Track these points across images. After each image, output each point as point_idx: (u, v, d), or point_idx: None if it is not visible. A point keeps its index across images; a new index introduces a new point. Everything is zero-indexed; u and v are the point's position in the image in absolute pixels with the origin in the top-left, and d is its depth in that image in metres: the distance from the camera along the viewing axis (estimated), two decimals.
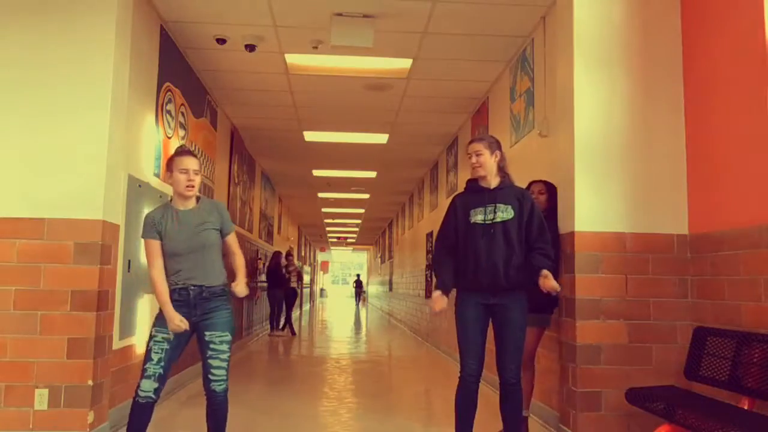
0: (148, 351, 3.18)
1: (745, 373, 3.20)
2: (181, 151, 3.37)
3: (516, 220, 3.51)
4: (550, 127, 4.82)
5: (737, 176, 3.50)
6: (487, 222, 3.52)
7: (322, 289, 44.99)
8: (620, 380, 3.78)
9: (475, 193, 3.64)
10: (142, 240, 3.30)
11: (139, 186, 4.77)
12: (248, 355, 9.14)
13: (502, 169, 3.63)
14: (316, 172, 12.15)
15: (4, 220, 3.85)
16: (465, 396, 3.50)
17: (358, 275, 37.04)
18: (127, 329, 4.60)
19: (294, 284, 13.02)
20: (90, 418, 3.79)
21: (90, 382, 3.79)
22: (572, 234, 3.93)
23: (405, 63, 6.20)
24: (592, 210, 3.93)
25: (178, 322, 3.14)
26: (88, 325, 3.81)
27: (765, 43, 3.27)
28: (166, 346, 3.17)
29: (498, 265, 3.45)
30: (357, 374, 7.47)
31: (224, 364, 3.22)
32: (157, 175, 5.21)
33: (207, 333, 3.22)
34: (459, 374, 3.51)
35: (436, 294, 3.55)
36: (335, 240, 29.97)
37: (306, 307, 25.01)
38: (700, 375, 3.52)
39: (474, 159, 3.59)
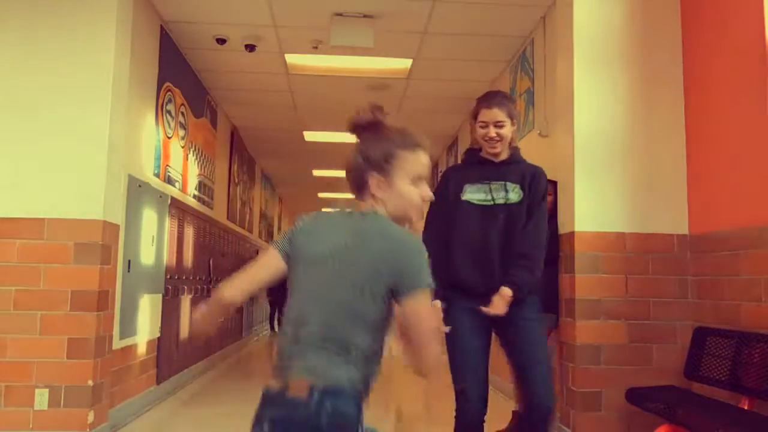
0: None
1: (745, 373, 3.20)
2: None
3: (522, 205, 2.75)
4: (550, 127, 4.82)
5: (737, 176, 3.50)
6: (488, 203, 2.75)
7: None
8: (620, 380, 3.77)
9: (476, 165, 2.84)
10: None
11: (139, 186, 4.76)
12: (248, 354, 9.14)
13: (512, 141, 2.87)
14: (316, 172, 12.14)
15: (4, 220, 3.85)
16: (469, 428, 2.64)
17: None
18: (127, 329, 4.59)
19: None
20: (90, 418, 3.79)
21: (90, 382, 3.79)
22: (572, 234, 3.93)
23: (405, 63, 6.20)
24: (592, 210, 3.93)
25: None
26: (88, 325, 3.81)
27: (765, 43, 3.27)
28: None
29: (495, 259, 2.70)
30: None
31: None
32: (157, 175, 5.21)
33: None
34: (455, 402, 2.67)
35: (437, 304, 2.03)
36: None
37: None
38: (700, 375, 3.52)
39: (493, 132, 2.73)
